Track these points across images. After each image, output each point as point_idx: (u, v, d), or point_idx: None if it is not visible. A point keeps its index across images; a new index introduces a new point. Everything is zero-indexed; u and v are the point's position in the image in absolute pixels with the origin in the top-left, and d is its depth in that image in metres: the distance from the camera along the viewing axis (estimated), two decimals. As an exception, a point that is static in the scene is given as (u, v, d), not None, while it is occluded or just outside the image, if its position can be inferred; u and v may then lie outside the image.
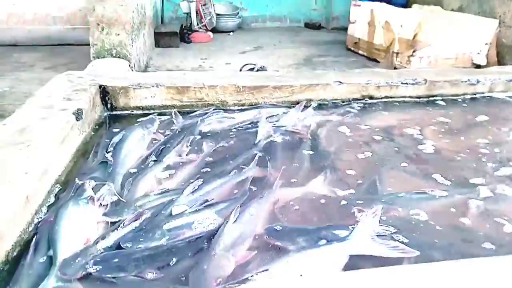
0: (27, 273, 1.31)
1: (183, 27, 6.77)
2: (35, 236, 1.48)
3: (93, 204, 1.66)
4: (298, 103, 2.98)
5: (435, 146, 2.38)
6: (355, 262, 1.37)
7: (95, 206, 1.65)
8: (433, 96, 3.17)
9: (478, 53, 4.96)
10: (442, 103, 3.12)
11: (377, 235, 1.45)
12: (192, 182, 1.89)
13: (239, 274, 1.28)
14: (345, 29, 6.57)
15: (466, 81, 3.20)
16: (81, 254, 1.37)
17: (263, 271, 1.21)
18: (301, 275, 1.11)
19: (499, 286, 1.09)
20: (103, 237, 1.46)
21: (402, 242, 1.46)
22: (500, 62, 4.92)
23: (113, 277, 1.31)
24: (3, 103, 3.73)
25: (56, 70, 4.49)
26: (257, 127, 2.56)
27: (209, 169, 2.10)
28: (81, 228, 1.51)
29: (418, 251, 1.39)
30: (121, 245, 1.43)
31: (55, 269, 1.29)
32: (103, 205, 1.69)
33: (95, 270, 1.29)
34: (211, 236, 1.50)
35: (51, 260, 1.35)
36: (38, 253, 1.41)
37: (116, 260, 1.35)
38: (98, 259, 1.35)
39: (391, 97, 3.11)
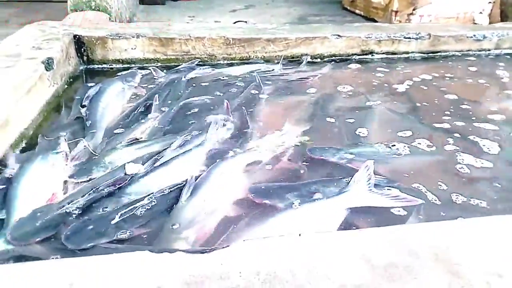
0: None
1: (170, -17, 6.34)
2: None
3: (65, 160, 1.46)
4: (292, 58, 2.77)
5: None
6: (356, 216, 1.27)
7: (65, 163, 1.45)
8: (437, 52, 2.96)
9: (481, 12, 4.71)
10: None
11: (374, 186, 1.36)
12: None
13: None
14: (341, -12, 6.23)
15: (471, 37, 2.99)
16: (39, 216, 1.16)
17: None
18: (300, 235, 0.95)
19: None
20: (69, 200, 1.25)
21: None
22: (502, 22, 4.70)
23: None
24: (-28, 58, 3.43)
25: (31, 26, 4.15)
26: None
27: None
28: (44, 186, 1.30)
29: (421, 199, 1.31)
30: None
31: (5, 231, 1.09)
32: (74, 164, 1.48)
33: (69, 244, 1.10)
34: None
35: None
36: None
37: (91, 227, 1.16)
38: (69, 232, 1.14)
39: (392, 53, 2.89)
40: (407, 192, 1.38)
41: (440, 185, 1.48)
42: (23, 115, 1.69)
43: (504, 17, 4.71)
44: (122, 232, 1.16)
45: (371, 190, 1.36)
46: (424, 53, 2.94)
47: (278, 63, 2.67)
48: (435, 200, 1.40)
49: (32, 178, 1.31)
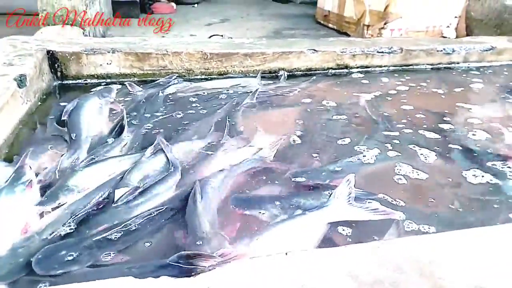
0: None
1: (144, -3, 6.33)
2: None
3: (31, 189, 1.38)
4: (270, 72, 2.79)
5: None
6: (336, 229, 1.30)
7: (34, 192, 1.37)
8: (408, 65, 3.06)
9: (448, 26, 4.92)
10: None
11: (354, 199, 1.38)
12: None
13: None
14: (314, 3, 6.38)
15: (441, 50, 3.11)
16: (21, 252, 1.10)
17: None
18: (286, 253, 0.95)
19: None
20: (50, 230, 1.20)
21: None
22: (468, 36, 4.90)
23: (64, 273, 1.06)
24: None
25: (0, 40, 4.03)
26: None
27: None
28: (16, 219, 1.23)
29: (401, 212, 1.34)
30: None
31: None
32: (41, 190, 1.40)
33: (40, 270, 1.05)
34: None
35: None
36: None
37: (64, 252, 1.11)
38: (41, 256, 1.09)
39: (366, 67, 2.96)
40: (386, 205, 1.40)
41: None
42: (-5, 134, 1.63)
43: (469, 31, 4.93)
44: (98, 257, 1.12)
45: (351, 204, 1.38)
46: (396, 67, 3.02)
47: (255, 77, 2.69)
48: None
49: (2, 211, 1.24)
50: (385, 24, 4.72)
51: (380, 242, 1.04)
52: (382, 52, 2.96)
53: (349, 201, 1.38)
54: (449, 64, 3.14)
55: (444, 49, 3.10)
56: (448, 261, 0.97)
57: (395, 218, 1.34)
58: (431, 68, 3.10)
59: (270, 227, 1.29)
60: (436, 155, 1.81)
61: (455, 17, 4.91)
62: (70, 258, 1.08)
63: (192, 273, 0.89)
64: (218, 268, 0.91)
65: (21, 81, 1.97)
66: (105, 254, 1.13)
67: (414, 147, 1.88)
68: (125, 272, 1.02)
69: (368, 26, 4.95)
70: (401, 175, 1.65)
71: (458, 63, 3.17)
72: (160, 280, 0.87)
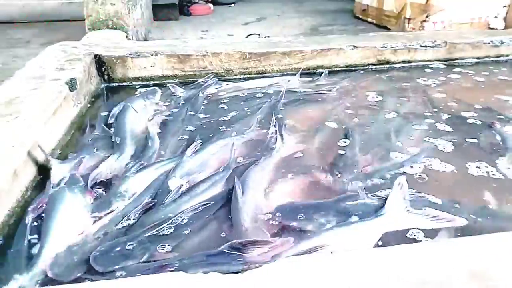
0: (12, 263, 1.14)
1: (182, -1, 6.47)
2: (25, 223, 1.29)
3: (85, 193, 1.45)
4: (308, 70, 2.78)
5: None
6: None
7: (87, 196, 1.44)
8: (453, 59, 2.95)
9: (496, 17, 4.68)
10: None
11: (411, 206, 1.28)
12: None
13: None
14: (352, -3, 6.27)
15: (488, 43, 2.97)
16: (76, 252, 1.18)
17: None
18: (331, 253, 0.95)
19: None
20: (103, 231, 1.27)
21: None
22: (519, 26, 4.65)
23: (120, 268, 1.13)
24: (-4, 79, 3.54)
25: (51, 45, 4.27)
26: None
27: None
28: (75, 221, 1.31)
29: (464, 218, 1.23)
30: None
31: (39, 264, 1.11)
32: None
33: (98, 266, 1.11)
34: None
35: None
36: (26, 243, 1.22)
37: (119, 248, 1.17)
38: (98, 253, 1.16)
39: (408, 61, 2.89)
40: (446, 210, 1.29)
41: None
42: (51, 136, 1.74)
43: (519, 21, 4.66)
44: (152, 252, 1.18)
45: (408, 211, 1.27)
46: (441, 61, 2.92)
47: (295, 75, 2.69)
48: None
49: (62, 213, 1.32)
50: (427, 17, 4.56)
51: (428, 243, 1.02)
52: (425, 46, 2.87)
53: (406, 208, 1.28)
54: (497, 57, 3.00)
55: (491, 41, 2.96)
56: (503, 264, 0.93)
57: (457, 225, 1.24)
58: (477, 62, 2.97)
59: (318, 236, 1.21)
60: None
61: (504, 6, 4.66)
62: (125, 254, 1.15)
63: (239, 270, 0.92)
64: (264, 266, 0.93)
65: (72, 84, 2.08)
66: (158, 248, 1.19)
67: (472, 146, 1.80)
68: (176, 264, 1.07)
69: (409, 19, 4.80)
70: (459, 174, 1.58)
71: (507, 55, 3.01)
72: (209, 275, 0.91)
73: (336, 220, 1.28)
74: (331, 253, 0.96)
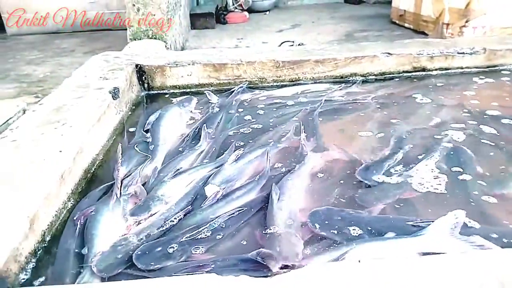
0: (60, 267, 1.22)
1: (219, 7, 6.64)
2: (72, 228, 1.38)
3: (127, 200, 1.53)
4: (342, 78, 2.79)
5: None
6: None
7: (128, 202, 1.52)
8: (493, 66, 2.86)
9: (541, 20, 4.48)
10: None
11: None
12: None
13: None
14: (388, 2, 6.21)
15: (532, 49, 2.86)
16: (119, 249, 1.26)
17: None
18: (359, 261, 0.97)
19: None
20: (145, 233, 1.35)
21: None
22: None
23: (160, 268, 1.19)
24: (45, 87, 3.78)
25: (95, 54, 4.50)
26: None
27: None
28: (119, 224, 1.40)
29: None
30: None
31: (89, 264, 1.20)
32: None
33: (140, 264, 1.19)
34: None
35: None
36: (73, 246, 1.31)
37: (160, 248, 1.24)
38: (140, 252, 1.23)
39: (446, 69, 2.83)
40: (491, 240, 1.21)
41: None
42: (95, 142, 1.85)
43: None
44: (189, 253, 1.24)
45: (453, 235, 1.22)
46: (479, 68, 2.85)
47: (327, 83, 2.71)
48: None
49: (107, 218, 1.41)
50: (466, 22, 4.44)
51: (463, 254, 1.01)
52: (463, 53, 2.81)
53: (450, 232, 1.23)
54: (541, 63, 2.88)
55: (535, 47, 2.85)
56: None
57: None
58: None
59: (351, 248, 1.20)
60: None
61: (550, 9, 4.45)
62: (165, 253, 1.22)
63: (269, 274, 0.96)
64: (293, 271, 0.96)
65: (115, 93, 2.20)
66: (195, 250, 1.25)
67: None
68: (212, 265, 1.13)
69: (447, 24, 4.69)
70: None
71: (553, 62, 2.89)
72: (239, 278, 0.95)
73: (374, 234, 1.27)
74: (359, 261, 0.98)
